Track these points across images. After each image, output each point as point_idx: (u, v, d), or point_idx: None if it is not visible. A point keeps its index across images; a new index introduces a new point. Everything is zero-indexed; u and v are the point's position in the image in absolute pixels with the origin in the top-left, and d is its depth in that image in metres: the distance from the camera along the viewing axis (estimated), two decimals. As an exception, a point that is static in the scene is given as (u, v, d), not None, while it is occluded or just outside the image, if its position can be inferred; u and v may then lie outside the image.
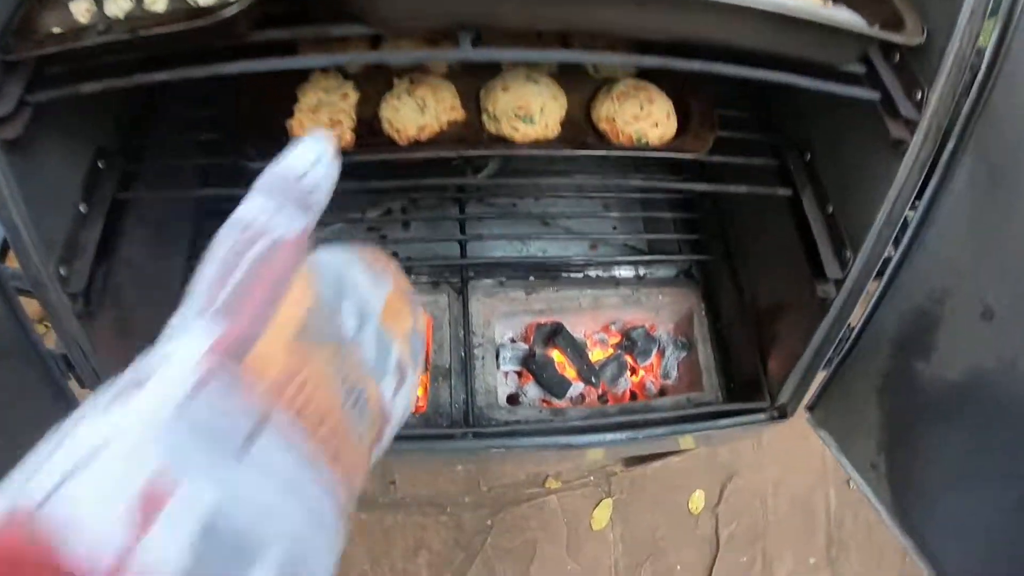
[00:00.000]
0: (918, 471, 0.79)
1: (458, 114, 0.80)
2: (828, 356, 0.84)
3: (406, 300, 0.34)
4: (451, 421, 0.94)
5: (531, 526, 1.43)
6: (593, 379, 1.00)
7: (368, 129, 0.80)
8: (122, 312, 0.75)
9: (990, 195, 0.64)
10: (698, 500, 1.53)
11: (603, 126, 0.78)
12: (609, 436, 0.87)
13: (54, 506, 0.19)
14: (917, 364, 0.76)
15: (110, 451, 0.20)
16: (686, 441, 1.09)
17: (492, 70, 0.82)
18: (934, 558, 0.77)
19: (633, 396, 1.05)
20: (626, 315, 1.06)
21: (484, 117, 0.79)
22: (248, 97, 0.78)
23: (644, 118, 0.76)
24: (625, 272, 1.07)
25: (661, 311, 1.06)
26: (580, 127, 0.79)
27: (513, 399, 1.03)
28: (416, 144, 0.78)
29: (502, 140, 0.77)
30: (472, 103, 0.82)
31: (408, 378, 0.33)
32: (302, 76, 0.82)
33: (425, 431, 0.92)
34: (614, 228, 1.12)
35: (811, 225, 0.80)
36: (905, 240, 0.74)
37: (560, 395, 0.98)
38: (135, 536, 0.19)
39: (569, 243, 1.08)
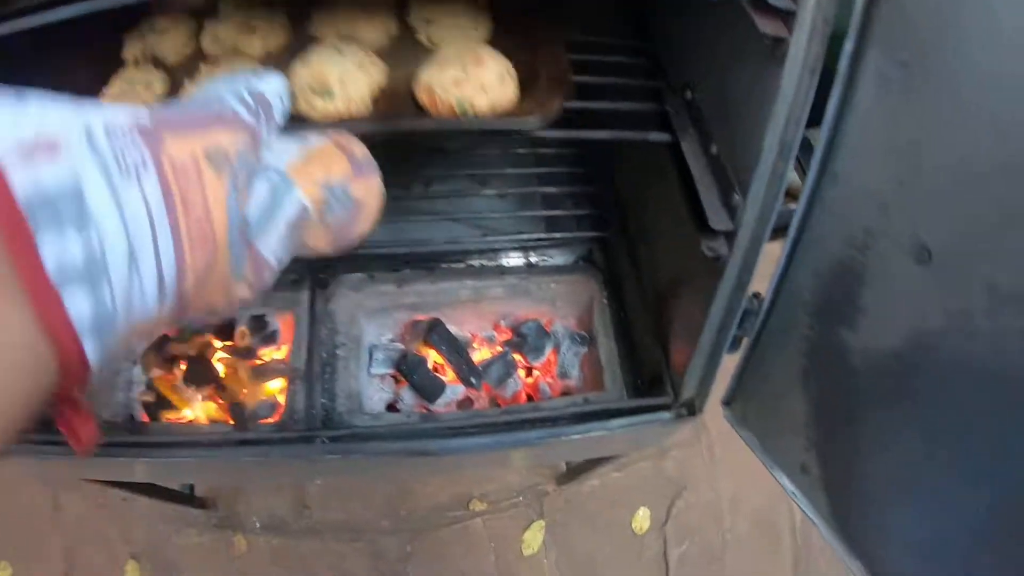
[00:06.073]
0: (858, 472, 0.60)
1: None
2: (733, 334, 0.67)
3: (340, 153, 0.41)
4: (306, 428, 0.78)
5: (455, 553, 1.24)
6: (474, 380, 0.83)
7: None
8: None
9: (907, 101, 0.47)
10: (643, 519, 1.33)
11: (423, 97, 0.62)
12: (473, 441, 0.70)
13: None
14: (844, 335, 0.58)
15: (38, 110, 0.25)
16: (593, 446, 0.92)
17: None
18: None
19: (530, 399, 0.88)
20: (518, 309, 0.89)
21: None
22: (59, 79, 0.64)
23: (467, 83, 0.60)
24: (514, 260, 0.91)
25: (559, 302, 0.90)
26: (399, 101, 0.63)
27: (393, 408, 0.86)
28: None
29: (299, 120, 0.61)
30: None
31: (318, 219, 0.38)
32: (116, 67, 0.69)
33: (269, 435, 0.75)
34: (504, 210, 0.95)
35: (691, 170, 0.63)
36: (811, 175, 0.56)
37: (433, 398, 0.82)
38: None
39: (453, 228, 0.92)
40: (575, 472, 1.26)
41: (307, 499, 1.27)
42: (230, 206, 0.30)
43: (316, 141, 0.40)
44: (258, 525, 1.27)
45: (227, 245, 0.30)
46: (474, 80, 0.60)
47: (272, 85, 0.38)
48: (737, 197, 0.60)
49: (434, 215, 0.89)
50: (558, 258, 0.91)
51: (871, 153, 0.52)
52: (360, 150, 0.43)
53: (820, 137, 0.55)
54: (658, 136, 0.67)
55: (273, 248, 0.34)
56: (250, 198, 0.33)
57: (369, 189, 0.42)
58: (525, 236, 0.90)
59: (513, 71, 0.63)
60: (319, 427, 0.78)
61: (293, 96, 0.62)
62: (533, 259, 0.91)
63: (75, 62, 0.66)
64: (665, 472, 1.37)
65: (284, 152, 0.37)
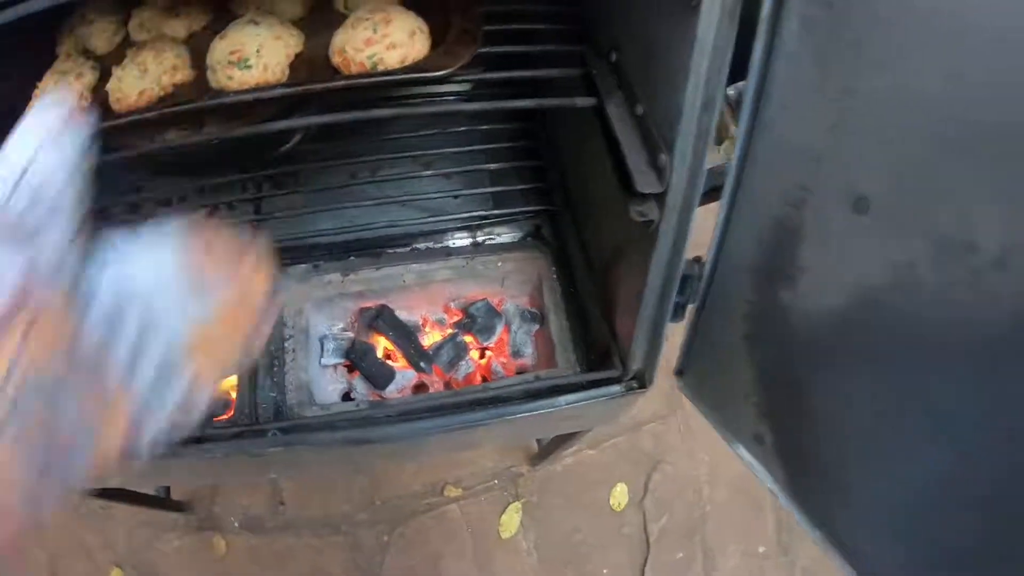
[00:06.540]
0: (810, 439, 0.58)
1: (183, 75, 0.67)
2: (675, 302, 0.65)
3: (248, 310, 0.35)
4: (254, 423, 0.77)
5: (432, 539, 1.23)
6: (424, 364, 0.82)
7: (104, 108, 0.66)
8: None
9: (835, 41, 0.45)
10: (620, 495, 1.33)
11: (336, 59, 0.63)
12: (419, 425, 0.69)
13: None
14: (785, 296, 0.56)
15: None
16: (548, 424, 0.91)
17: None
18: (851, 553, 0.57)
19: (484, 381, 0.87)
20: (467, 289, 0.88)
21: (208, 74, 0.65)
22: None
23: (378, 41, 0.62)
24: (460, 240, 0.89)
25: (507, 281, 0.88)
26: (316, 66, 0.64)
27: (348, 397, 0.85)
28: (135, 111, 0.64)
29: (218, 92, 0.62)
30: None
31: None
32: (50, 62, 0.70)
33: (221, 432, 0.74)
34: (450, 190, 0.93)
35: (616, 133, 0.61)
36: (741, 129, 0.54)
37: (383, 385, 0.80)
38: None
39: (396, 212, 0.89)
40: (548, 451, 1.25)
41: (282, 495, 1.26)
42: (19, 469, 0.28)
43: (224, 297, 0.35)
44: (236, 524, 1.26)
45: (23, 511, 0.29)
46: (384, 38, 0.61)
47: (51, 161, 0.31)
48: (664, 157, 0.58)
49: (376, 199, 0.87)
50: (505, 236, 0.90)
51: (801, 102, 0.49)
52: (262, 287, 0.37)
53: (747, 88, 0.53)
54: (584, 101, 0.65)
55: (154, 431, 0.32)
56: (141, 372, 0.30)
57: (263, 334, 0.38)
58: (470, 214, 0.88)
59: (425, 27, 0.64)
60: (271, 421, 0.76)
61: (212, 69, 0.64)
62: (480, 238, 0.89)
63: (8, 61, 0.65)
64: (641, 447, 1.37)
65: (191, 311, 0.33)
